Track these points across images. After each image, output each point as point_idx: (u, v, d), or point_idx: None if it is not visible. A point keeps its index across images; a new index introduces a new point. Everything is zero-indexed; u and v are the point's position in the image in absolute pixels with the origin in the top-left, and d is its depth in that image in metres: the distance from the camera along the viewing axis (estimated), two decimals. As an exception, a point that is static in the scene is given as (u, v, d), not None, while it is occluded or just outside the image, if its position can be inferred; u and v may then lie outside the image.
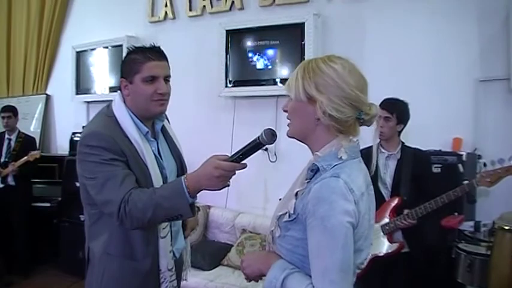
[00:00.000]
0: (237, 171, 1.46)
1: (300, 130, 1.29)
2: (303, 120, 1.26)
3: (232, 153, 1.45)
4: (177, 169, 1.91)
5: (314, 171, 1.22)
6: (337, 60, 1.23)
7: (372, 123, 1.28)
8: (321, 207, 1.13)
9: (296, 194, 1.24)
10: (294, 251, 1.23)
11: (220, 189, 1.48)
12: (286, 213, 1.25)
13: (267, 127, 1.38)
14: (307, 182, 1.23)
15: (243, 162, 1.44)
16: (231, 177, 1.47)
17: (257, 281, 1.38)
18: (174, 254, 1.86)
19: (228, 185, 1.48)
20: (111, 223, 1.62)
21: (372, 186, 1.31)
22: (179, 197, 1.47)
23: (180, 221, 1.95)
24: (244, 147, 1.42)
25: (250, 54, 4.06)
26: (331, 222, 1.12)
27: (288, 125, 1.31)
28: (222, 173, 1.43)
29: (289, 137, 1.32)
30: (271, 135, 1.36)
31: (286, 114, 1.31)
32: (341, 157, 1.20)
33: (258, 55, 4.02)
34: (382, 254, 2.64)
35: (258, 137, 1.37)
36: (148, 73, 1.67)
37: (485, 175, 2.51)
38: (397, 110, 2.65)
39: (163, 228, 1.73)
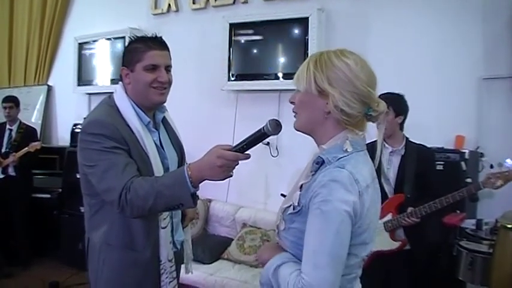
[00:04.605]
0: (240, 163, 1.44)
1: (307, 123, 1.28)
2: (312, 113, 1.25)
3: (236, 143, 1.43)
4: (179, 160, 1.91)
5: (319, 163, 1.22)
6: (350, 56, 1.22)
7: (378, 119, 1.27)
8: (321, 192, 1.13)
9: (301, 187, 1.24)
10: (299, 243, 1.22)
11: (222, 180, 1.47)
12: (290, 205, 1.24)
13: (272, 118, 1.36)
14: (312, 175, 1.22)
15: (246, 152, 1.42)
16: (234, 168, 1.45)
17: None
18: (174, 245, 1.86)
19: (231, 176, 1.46)
20: (112, 213, 1.62)
21: (377, 180, 1.30)
22: (181, 186, 1.46)
23: (180, 212, 1.95)
24: (248, 138, 1.40)
25: (253, 48, 4.04)
26: (328, 207, 1.12)
27: (294, 117, 1.30)
28: (224, 162, 1.41)
29: (296, 129, 1.30)
30: (276, 126, 1.34)
31: (293, 106, 1.30)
32: (346, 149, 1.20)
33: (261, 49, 4.00)
34: (384, 251, 2.64)
35: (263, 127, 1.35)
36: (149, 61, 1.68)
37: (492, 177, 2.50)
38: (392, 103, 2.62)
39: (164, 219, 1.72)
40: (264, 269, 1.28)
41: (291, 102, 1.30)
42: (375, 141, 1.32)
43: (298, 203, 1.22)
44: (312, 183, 1.19)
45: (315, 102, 1.23)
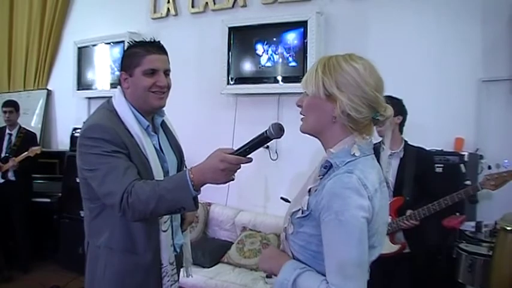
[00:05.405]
0: (242, 166, 1.44)
1: (314, 126, 1.28)
2: (319, 117, 1.25)
3: (238, 146, 1.43)
4: (178, 163, 1.91)
5: (327, 167, 1.22)
6: (359, 60, 1.23)
7: (385, 124, 1.29)
8: (335, 202, 1.13)
9: (309, 191, 1.24)
10: (307, 248, 1.23)
11: (224, 183, 1.47)
12: (299, 209, 1.24)
13: (275, 121, 1.36)
14: (321, 179, 1.23)
15: (248, 156, 1.42)
16: (236, 171, 1.45)
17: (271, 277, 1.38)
18: (174, 248, 1.86)
19: (233, 179, 1.46)
20: (113, 217, 1.62)
21: (384, 183, 1.30)
22: (183, 190, 1.46)
23: (180, 216, 1.95)
24: (250, 141, 1.40)
25: (252, 52, 4.05)
26: (346, 217, 1.12)
27: (301, 120, 1.30)
28: (227, 166, 1.41)
29: (303, 132, 1.31)
30: (278, 130, 1.34)
31: (299, 109, 1.30)
32: (354, 154, 1.21)
33: (260, 53, 4.01)
34: (383, 254, 2.63)
35: (266, 131, 1.36)
36: (148, 66, 1.69)
37: (490, 178, 2.50)
38: (391, 103, 2.63)
39: (165, 222, 1.73)
40: (278, 283, 1.23)
41: (298, 106, 1.30)
42: (377, 143, 1.32)
43: (307, 207, 1.22)
44: (321, 189, 1.19)
45: (322, 106, 1.23)
